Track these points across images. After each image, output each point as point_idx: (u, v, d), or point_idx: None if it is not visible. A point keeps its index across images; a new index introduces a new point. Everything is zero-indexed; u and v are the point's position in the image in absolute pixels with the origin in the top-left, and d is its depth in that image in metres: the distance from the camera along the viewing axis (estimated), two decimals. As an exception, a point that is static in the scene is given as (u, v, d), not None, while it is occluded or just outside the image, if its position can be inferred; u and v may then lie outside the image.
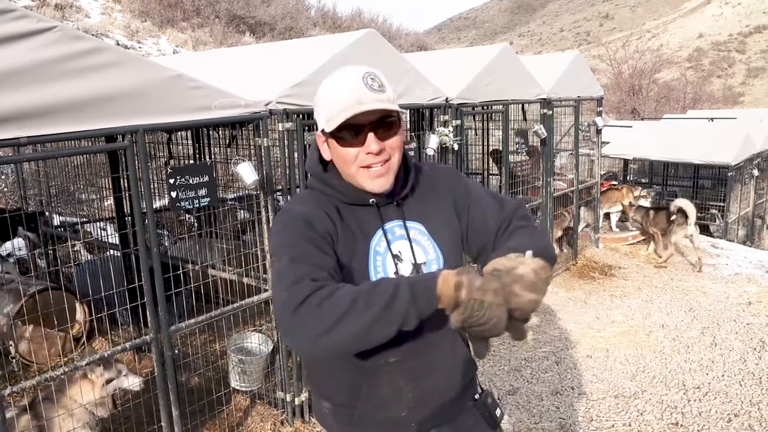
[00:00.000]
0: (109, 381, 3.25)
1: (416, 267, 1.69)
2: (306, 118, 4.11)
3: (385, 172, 1.62)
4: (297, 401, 4.20)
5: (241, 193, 6.78)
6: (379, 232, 1.68)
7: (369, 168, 1.61)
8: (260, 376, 4.02)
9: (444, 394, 1.79)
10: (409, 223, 1.71)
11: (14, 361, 4.85)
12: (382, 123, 1.58)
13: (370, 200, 1.68)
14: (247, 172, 3.59)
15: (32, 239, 5.11)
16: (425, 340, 1.68)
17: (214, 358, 4.20)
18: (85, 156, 6.19)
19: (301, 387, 4.21)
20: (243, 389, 4.03)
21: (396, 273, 1.66)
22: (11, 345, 4.90)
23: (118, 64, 3.00)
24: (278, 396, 4.25)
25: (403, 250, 1.69)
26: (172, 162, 5.42)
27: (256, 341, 4.16)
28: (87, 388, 3.23)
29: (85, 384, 3.23)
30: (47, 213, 6.14)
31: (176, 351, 3.50)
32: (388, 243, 1.68)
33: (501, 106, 6.34)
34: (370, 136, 1.58)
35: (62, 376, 3.14)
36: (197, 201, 3.48)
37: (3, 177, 6.54)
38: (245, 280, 4.18)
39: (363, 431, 1.78)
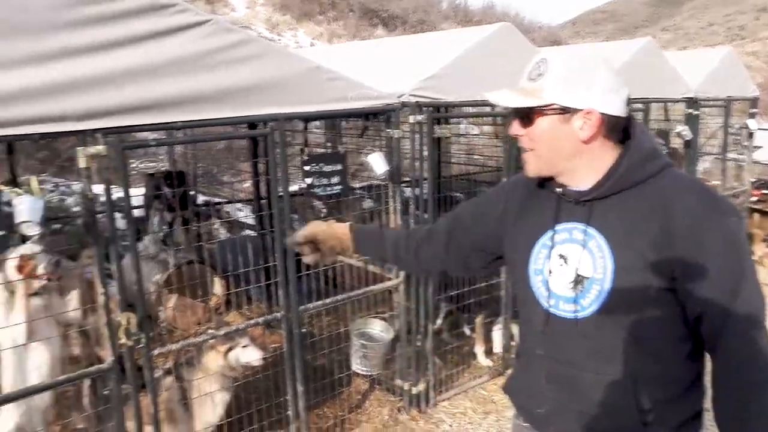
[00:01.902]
0: (229, 351, 3.41)
1: (578, 279, 1.56)
2: (436, 111, 4.10)
3: (527, 159, 1.62)
4: (414, 390, 4.24)
5: (368, 183, 6.90)
6: (553, 226, 1.63)
7: None
8: (380, 362, 4.09)
9: (585, 421, 1.61)
10: (591, 230, 1.54)
11: (163, 325, 5.30)
12: (519, 112, 1.57)
13: (556, 189, 1.63)
14: (378, 163, 3.65)
15: (169, 199, 5.48)
16: (563, 351, 1.62)
17: (337, 340, 4.32)
18: (227, 141, 6.61)
19: (419, 377, 4.24)
20: (363, 373, 4.13)
21: (550, 272, 1.62)
22: (160, 311, 5.36)
23: (262, 55, 3.16)
24: (397, 383, 4.31)
25: (572, 254, 1.58)
26: (306, 150, 5.64)
27: (378, 328, 4.24)
28: (213, 356, 3.42)
29: (212, 352, 3.43)
30: (193, 192, 6.61)
31: (303, 330, 3.64)
32: (554, 241, 1.62)
33: (641, 105, 5.98)
34: (515, 120, 1.60)
35: (202, 343, 3.37)
36: (330, 188, 3.59)
37: (161, 157, 7.17)
38: (370, 267, 4.27)
39: (514, 396, 1.84)
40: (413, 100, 3.88)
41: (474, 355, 4.98)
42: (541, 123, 1.55)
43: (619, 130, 1.56)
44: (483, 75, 4.04)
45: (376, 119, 4.15)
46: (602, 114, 1.50)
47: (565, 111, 1.51)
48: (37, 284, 2.83)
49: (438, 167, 4.05)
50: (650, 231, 1.45)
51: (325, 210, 7.57)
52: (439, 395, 4.44)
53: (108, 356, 2.93)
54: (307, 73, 3.30)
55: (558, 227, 1.61)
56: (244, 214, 6.97)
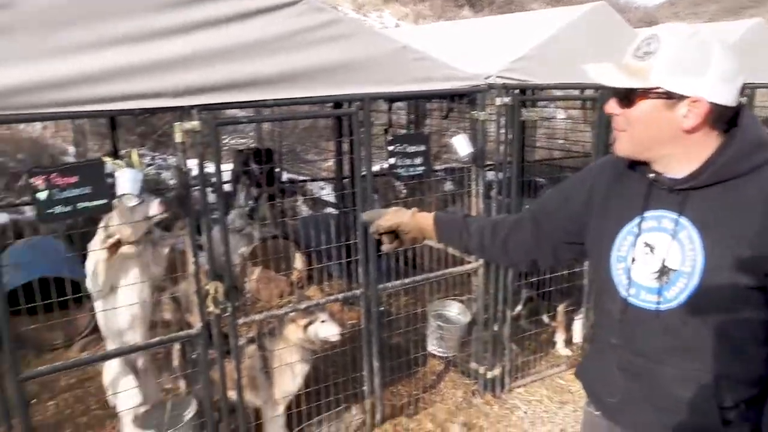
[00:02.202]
0: (308, 325, 3.49)
1: (663, 270, 1.49)
2: (523, 94, 4.01)
3: (619, 138, 1.53)
4: (489, 375, 4.21)
5: (449, 165, 6.86)
6: (641, 212, 1.55)
7: None
8: (456, 345, 4.08)
9: (661, 415, 1.56)
10: (683, 220, 1.46)
11: (249, 296, 5.51)
12: (619, 91, 1.48)
13: (648, 174, 1.54)
14: (462, 145, 3.61)
15: (257, 176, 5.64)
16: (639, 342, 1.56)
17: (414, 320, 4.35)
18: (311, 120, 6.72)
19: (495, 362, 4.20)
20: (439, 354, 4.14)
21: (633, 261, 1.55)
22: (245, 282, 5.57)
23: (351, 35, 3.17)
24: (472, 367, 4.30)
25: (659, 244, 1.50)
26: (390, 130, 5.66)
27: (455, 310, 4.23)
28: (293, 329, 3.51)
29: (292, 325, 3.51)
30: (278, 169, 6.78)
31: (381, 308, 3.68)
32: (641, 228, 1.54)
33: (748, 90, 5.59)
34: (613, 98, 1.51)
35: (284, 315, 3.47)
36: (412, 169, 3.58)
37: (251, 134, 7.40)
38: (449, 249, 4.24)
39: (586, 382, 1.81)
40: (500, 81, 3.80)
41: (553, 344, 4.89)
42: (642, 106, 1.45)
43: (725, 120, 1.44)
44: (574, 57, 3.89)
45: (461, 101, 4.09)
46: (711, 103, 1.40)
47: (670, 96, 1.41)
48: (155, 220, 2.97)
49: (521, 151, 3.95)
50: (748, 227, 1.37)
51: (405, 191, 7.59)
52: (514, 381, 4.39)
53: (196, 322, 3.08)
54: (394, 53, 3.29)
55: (647, 214, 1.53)
56: (326, 192, 7.09)
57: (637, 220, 1.55)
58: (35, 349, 4.76)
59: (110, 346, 3.26)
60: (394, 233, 2.01)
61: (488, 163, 4.04)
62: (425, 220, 2.00)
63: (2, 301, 2.49)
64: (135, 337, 3.22)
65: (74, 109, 2.51)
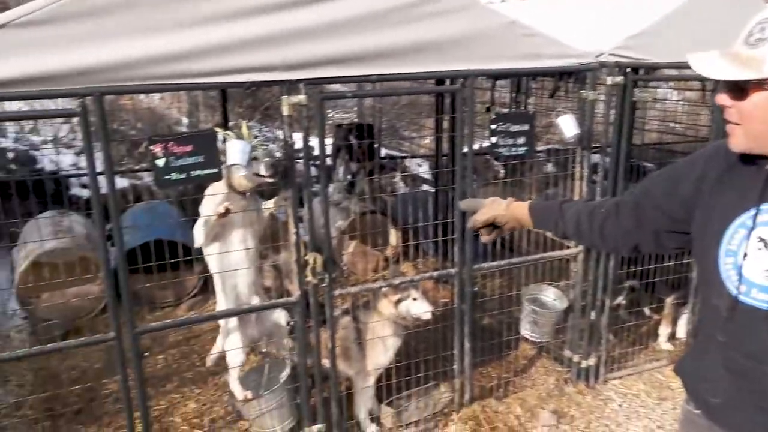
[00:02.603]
0: (399, 301, 3.50)
1: None
2: (637, 73, 3.78)
3: (733, 133, 1.42)
4: (584, 364, 4.09)
5: (551, 146, 6.64)
6: (757, 204, 1.44)
7: None
8: (551, 331, 3.98)
9: None
10: None
11: (345, 268, 5.63)
12: (729, 82, 1.35)
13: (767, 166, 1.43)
14: (568, 125, 3.47)
15: (357, 150, 5.71)
16: (750, 342, 1.45)
17: (507, 303, 4.28)
18: (410, 96, 6.69)
19: (590, 351, 4.07)
20: (532, 339, 4.05)
21: (745, 256, 1.44)
22: (343, 255, 5.70)
23: (459, 10, 3.10)
24: (565, 354, 4.18)
25: None
26: (493, 108, 5.53)
27: (551, 295, 4.12)
28: (385, 303, 3.54)
29: (384, 300, 3.54)
30: (377, 145, 6.83)
31: (475, 288, 3.64)
32: (755, 222, 1.43)
33: None
34: (724, 90, 1.39)
35: (378, 290, 3.51)
36: (515, 149, 3.48)
37: (354, 109, 7.50)
38: (548, 234, 4.12)
39: (686, 378, 1.73)
40: (612, 59, 3.60)
41: (655, 337, 4.66)
42: (756, 98, 1.33)
43: None
44: (700, 34, 3.61)
45: (569, 79, 3.92)
46: None
47: None
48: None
49: (630, 134, 3.74)
50: None
51: (503, 171, 7.44)
52: (609, 372, 4.23)
53: (295, 291, 3.17)
54: (502, 29, 3.19)
55: (763, 207, 1.41)
56: (424, 169, 7.08)
57: (751, 213, 1.43)
58: (148, 305, 5.10)
59: (221, 299, 3.42)
60: (492, 224, 2.02)
61: (594, 145, 3.87)
62: (521, 209, 1.98)
63: (123, 259, 2.67)
64: (244, 287, 3.38)
65: (190, 81, 2.62)
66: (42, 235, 4.02)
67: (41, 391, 3.95)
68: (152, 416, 3.50)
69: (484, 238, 2.07)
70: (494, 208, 2.01)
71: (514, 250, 5.46)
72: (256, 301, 3.49)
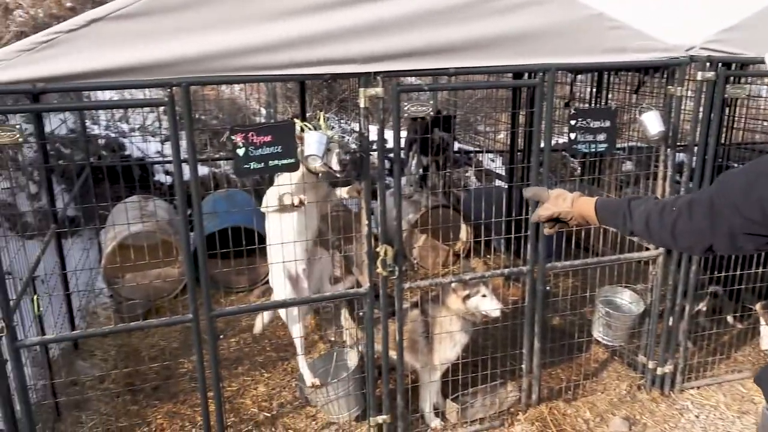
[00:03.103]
0: (467, 297, 3.46)
1: None
2: (730, 68, 3.58)
3: None
4: (659, 371, 3.92)
5: (632, 143, 6.39)
6: None
7: None
8: (625, 335, 3.85)
9: None
10: None
11: (415, 262, 5.63)
12: None
13: None
14: (652, 122, 3.33)
15: (446, 139, 5.66)
16: None
17: (580, 304, 4.16)
18: (485, 90, 6.59)
19: (666, 357, 3.90)
20: (605, 342, 3.93)
21: None
22: (413, 248, 5.70)
23: (541, 2, 3.02)
24: (639, 360, 4.03)
25: None
26: (572, 103, 5.39)
27: (627, 298, 3.98)
28: (454, 299, 3.51)
29: (452, 295, 3.52)
30: (448, 140, 6.79)
31: (547, 288, 3.56)
32: None
33: None
34: None
35: (448, 284, 3.49)
36: (594, 146, 3.38)
37: (431, 102, 7.45)
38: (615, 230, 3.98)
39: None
40: (704, 54, 3.41)
41: (737, 346, 4.42)
42: None
43: None
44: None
45: (655, 74, 3.75)
46: None
47: None
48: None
49: (719, 132, 3.55)
50: None
51: (579, 169, 7.24)
52: (686, 381, 4.05)
53: (365, 282, 3.20)
54: (588, 21, 3.09)
55: None
56: (497, 164, 6.97)
57: None
58: (224, 289, 5.28)
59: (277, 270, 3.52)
60: (556, 219, 2.00)
61: (680, 143, 3.70)
62: (587, 206, 1.93)
63: (202, 244, 2.77)
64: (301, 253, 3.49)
65: (272, 73, 2.68)
66: (128, 219, 4.21)
67: (123, 366, 4.17)
68: (224, 397, 3.62)
69: (547, 231, 2.08)
70: (559, 204, 1.99)
71: (590, 250, 5.31)
72: (303, 267, 3.57)
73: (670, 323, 3.86)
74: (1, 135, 2.35)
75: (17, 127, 2.38)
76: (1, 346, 2.67)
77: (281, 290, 3.53)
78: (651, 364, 3.94)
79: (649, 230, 1.79)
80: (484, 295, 3.44)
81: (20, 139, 2.39)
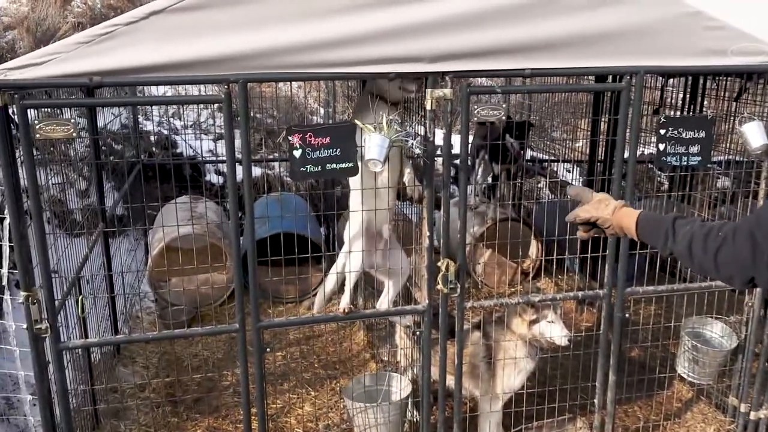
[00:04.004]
0: (533, 323, 3.41)
1: None
2: None
3: None
4: (753, 416, 3.76)
5: (728, 157, 6.17)
6: None
7: None
8: (714, 372, 3.71)
9: None
10: None
11: (479, 279, 5.59)
12: None
13: None
14: (754, 134, 3.21)
15: (516, 147, 5.62)
16: None
17: (662, 335, 4.04)
18: (563, 94, 6.49)
19: (762, 401, 3.74)
20: (690, 379, 3.80)
21: None
22: (477, 264, 5.67)
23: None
24: (730, 402, 3.88)
25: None
26: (662, 111, 5.25)
27: (717, 331, 3.84)
28: (518, 322, 3.47)
29: (517, 318, 3.47)
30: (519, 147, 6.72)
31: (626, 315, 3.47)
32: None
33: None
34: None
35: (514, 305, 3.45)
36: (686, 158, 3.29)
37: (503, 105, 7.40)
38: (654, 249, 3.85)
39: None
40: (818, 58, 3.27)
41: None
42: None
43: None
44: None
45: (759, 80, 3.62)
46: None
47: None
48: None
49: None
50: None
51: (667, 184, 7.03)
52: (786, 430, 3.86)
53: (423, 299, 3.20)
54: (683, 20, 3.01)
55: None
56: (574, 175, 6.86)
57: None
58: (271, 299, 5.38)
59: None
60: (593, 224, 2.05)
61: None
62: (628, 218, 1.96)
63: (253, 251, 2.84)
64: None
65: (333, 70, 2.73)
66: (177, 220, 4.37)
67: (165, 376, 4.31)
68: (268, 414, 3.68)
69: (581, 234, 2.14)
70: (599, 209, 2.02)
71: (676, 275, 5.15)
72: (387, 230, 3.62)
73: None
74: (56, 129, 2.48)
75: (72, 121, 2.51)
76: (44, 348, 2.81)
77: (356, 244, 3.53)
78: (743, 408, 3.78)
79: (691, 254, 1.77)
80: (551, 321, 3.39)
81: (74, 134, 2.52)
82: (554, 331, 3.38)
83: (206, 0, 2.54)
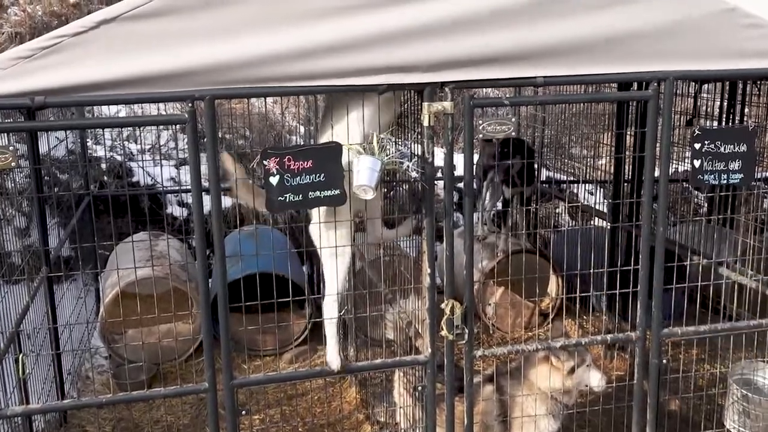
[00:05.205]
0: (572, 370, 3.41)
1: None
2: None
3: None
4: (817, 476, 3.75)
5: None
6: None
7: None
8: (768, 426, 3.71)
9: None
10: None
11: (490, 323, 5.58)
12: None
13: None
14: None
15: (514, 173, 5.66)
16: None
17: (706, 383, 4.04)
18: (583, 104, 6.55)
19: (827, 459, 3.73)
20: (741, 435, 3.80)
21: None
22: (488, 305, 5.66)
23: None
24: (790, 460, 3.86)
25: None
26: (696, 121, 5.33)
27: (771, 378, 3.85)
28: (547, 371, 3.46)
29: (545, 367, 3.47)
30: (535, 165, 6.76)
31: (663, 360, 3.48)
32: None
33: None
34: None
35: (530, 352, 3.45)
36: (725, 176, 3.32)
37: (512, 120, 7.44)
38: (769, 291, 3.87)
39: None
40: None
41: None
42: None
43: None
44: None
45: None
46: None
47: None
48: None
49: None
50: None
51: (706, 206, 7.08)
52: None
53: (425, 348, 3.19)
54: (717, 17, 3.07)
55: None
56: (597, 198, 6.90)
57: None
58: (246, 351, 5.34)
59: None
60: None
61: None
62: None
63: (224, 295, 2.83)
64: None
65: (316, 83, 2.76)
66: (134, 260, 4.34)
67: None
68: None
69: None
70: None
71: (720, 313, 5.15)
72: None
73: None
74: (-8, 158, 2.48)
75: (10, 148, 2.52)
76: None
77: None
78: (805, 468, 3.77)
79: None
80: (589, 365, 3.42)
81: (12, 163, 2.52)
82: (593, 378, 3.40)
83: (165, 5, 2.57)
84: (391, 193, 6.34)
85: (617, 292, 4.07)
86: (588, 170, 7.37)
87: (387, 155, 2.83)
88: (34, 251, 4.62)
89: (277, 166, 2.69)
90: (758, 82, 5.11)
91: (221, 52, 2.61)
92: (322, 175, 2.74)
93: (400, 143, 3.71)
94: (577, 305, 5.68)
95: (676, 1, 3.04)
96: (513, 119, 3.06)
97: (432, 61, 2.82)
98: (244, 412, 3.07)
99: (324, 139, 3.10)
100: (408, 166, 3.26)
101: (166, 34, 2.57)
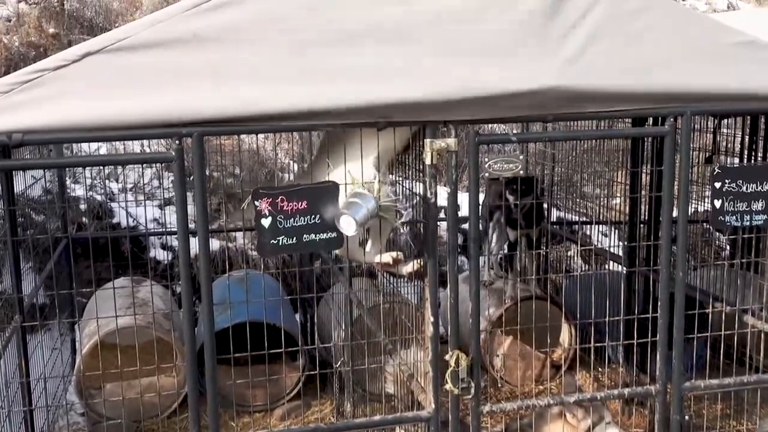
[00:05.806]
0: (589, 430, 3.41)
1: None
2: None
3: None
4: None
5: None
6: None
7: None
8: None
9: None
10: None
11: (499, 375, 5.55)
12: None
13: None
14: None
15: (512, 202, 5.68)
16: None
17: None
18: (595, 140, 6.60)
19: None
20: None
21: None
22: (496, 356, 5.63)
23: (664, 26, 3.10)
24: None
25: None
26: (716, 158, 5.37)
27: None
28: (562, 430, 3.45)
29: (560, 424, 3.46)
30: (545, 205, 6.79)
31: (687, 416, 3.47)
32: None
33: None
34: None
35: (542, 408, 3.44)
36: (748, 217, 3.34)
37: (521, 158, 7.50)
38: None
39: None
40: None
41: None
42: None
43: None
44: None
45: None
46: None
47: None
48: None
49: None
50: None
51: (728, 249, 7.08)
52: None
53: (428, 403, 3.18)
54: (735, 50, 3.14)
55: None
56: (612, 241, 6.91)
57: None
58: (235, 407, 5.29)
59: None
60: None
61: None
62: None
63: (211, 346, 2.83)
64: None
65: (306, 122, 2.80)
66: (114, 309, 4.33)
67: None
68: None
69: None
70: None
71: (747, 364, 5.14)
72: None
73: None
74: (-35, 199, 2.51)
75: (-16, 189, 2.54)
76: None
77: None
78: None
79: None
80: (608, 422, 3.41)
81: (-13, 204, 2.54)
82: None
83: (152, 38, 2.61)
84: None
85: (635, 342, 4.06)
86: (601, 210, 7.40)
87: (387, 197, 2.85)
88: (6, 299, 4.60)
89: (270, 207, 2.70)
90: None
91: (210, 89, 2.65)
92: (318, 216, 2.75)
93: (396, 188, 3.74)
94: (592, 356, 5.64)
95: (690, 35, 3.10)
96: (521, 156, 3.09)
97: (433, 97, 2.85)
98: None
99: (320, 178, 3.13)
100: (408, 208, 3.29)
101: (153, 67, 2.61)
